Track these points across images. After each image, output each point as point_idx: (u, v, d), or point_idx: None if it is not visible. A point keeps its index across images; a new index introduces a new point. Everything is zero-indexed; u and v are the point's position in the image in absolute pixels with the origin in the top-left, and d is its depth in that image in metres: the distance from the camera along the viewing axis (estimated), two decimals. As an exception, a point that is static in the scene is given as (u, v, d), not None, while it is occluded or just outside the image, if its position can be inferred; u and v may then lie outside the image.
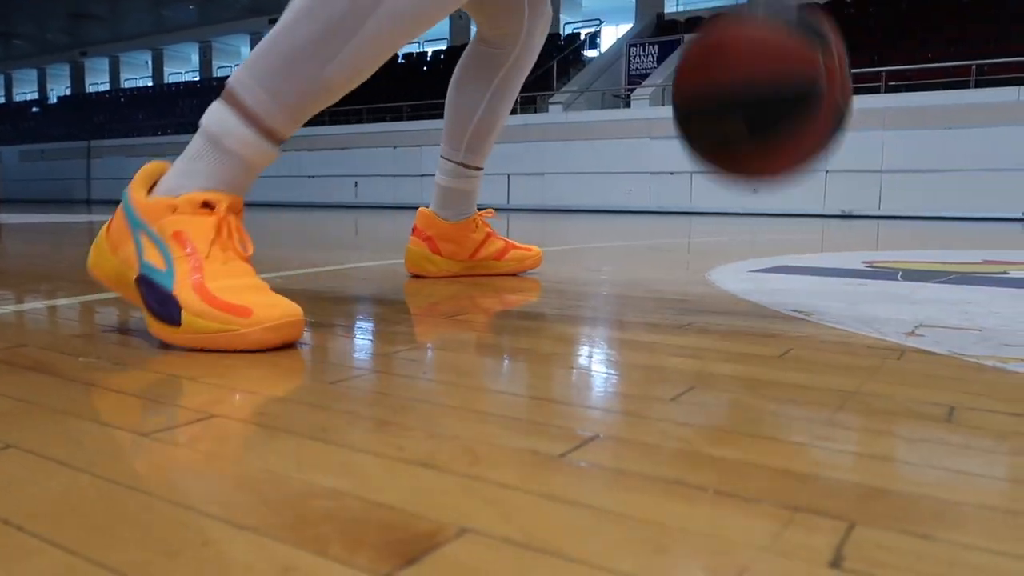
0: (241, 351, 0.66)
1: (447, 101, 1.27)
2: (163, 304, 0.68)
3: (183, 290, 0.67)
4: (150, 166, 0.76)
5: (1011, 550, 0.30)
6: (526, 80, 1.29)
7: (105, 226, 0.78)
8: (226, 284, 0.68)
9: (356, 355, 0.68)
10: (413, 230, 1.31)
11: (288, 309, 0.69)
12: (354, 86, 0.78)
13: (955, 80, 7.03)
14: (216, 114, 0.74)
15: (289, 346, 0.70)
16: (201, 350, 0.67)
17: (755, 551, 0.30)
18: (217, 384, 0.55)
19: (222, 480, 0.36)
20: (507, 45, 1.21)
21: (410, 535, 0.31)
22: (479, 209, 1.34)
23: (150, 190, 0.75)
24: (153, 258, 0.70)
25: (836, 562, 0.29)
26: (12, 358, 0.63)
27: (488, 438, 0.43)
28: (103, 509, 0.33)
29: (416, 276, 1.30)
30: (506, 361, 0.65)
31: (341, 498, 0.34)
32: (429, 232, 1.30)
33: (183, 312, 0.67)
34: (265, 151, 0.75)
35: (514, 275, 1.35)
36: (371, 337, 0.77)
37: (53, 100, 21.16)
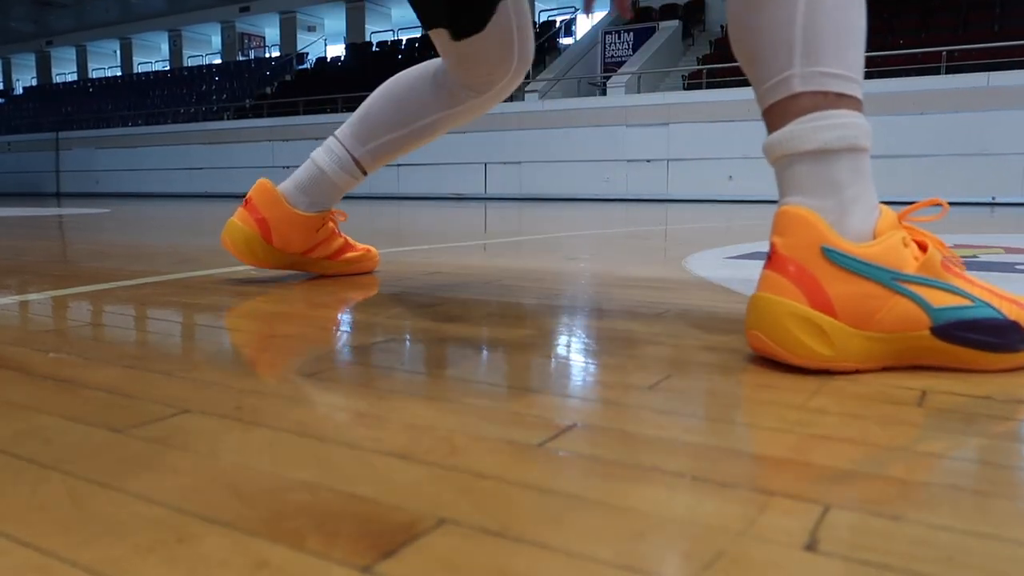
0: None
1: (381, 94, 1.11)
2: (1001, 334, 0.57)
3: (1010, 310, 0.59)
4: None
5: (978, 529, 0.30)
6: None
7: None
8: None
9: (333, 347, 0.67)
10: (245, 202, 1.09)
11: None
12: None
13: (925, 66, 7.11)
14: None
15: (264, 339, 0.69)
16: (176, 345, 0.66)
17: (732, 536, 0.30)
18: (191, 378, 0.55)
19: (196, 475, 0.36)
20: (481, 89, 1.05)
21: (387, 527, 0.30)
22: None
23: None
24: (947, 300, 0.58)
25: (811, 545, 0.29)
26: (-21, 355, 0.62)
27: (465, 428, 0.43)
28: (73, 507, 0.32)
29: (237, 257, 1.10)
30: (483, 351, 0.65)
31: (317, 491, 0.34)
32: (265, 213, 1.08)
33: None
34: None
35: (346, 276, 1.19)
36: (348, 329, 0.76)
37: (19, 91, 20.72)
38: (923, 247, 0.60)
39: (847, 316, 0.56)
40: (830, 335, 0.56)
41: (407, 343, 0.68)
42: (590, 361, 0.61)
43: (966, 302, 0.58)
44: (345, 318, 0.82)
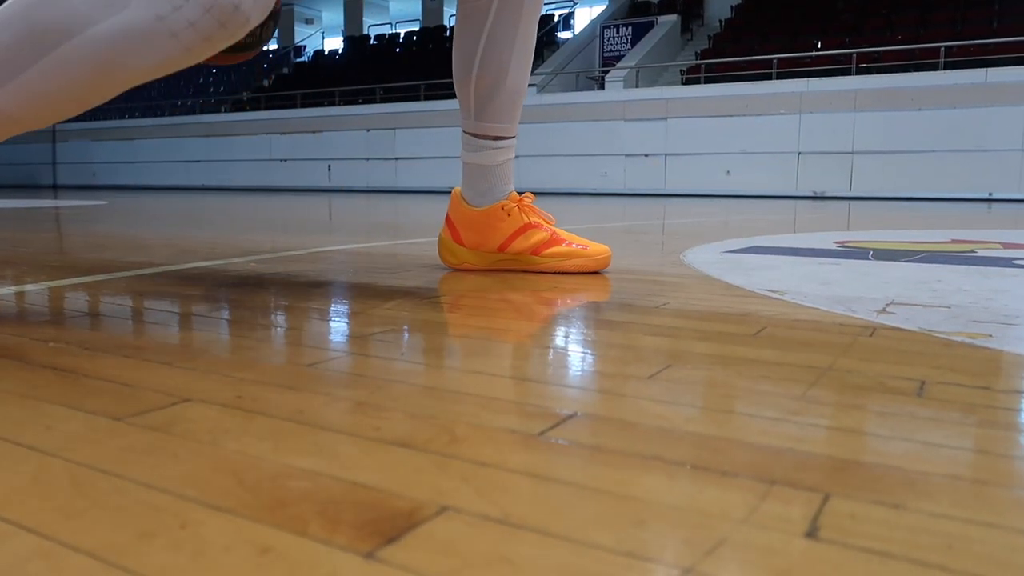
0: (208, 336, 0.65)
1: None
2: None
3: None
4: None
5: (978, 518, 0.31)
6: None
7: None
8: None
9: (332, 337, 0.67)
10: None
11: None
12: (44, 122, 0.70)
13: (924, 62, 7.11)
14: None
15: (263, 329, 0.69)
16: (174, 335, 0.66)
17: (733, 523, 0.30)
18: (191, 368, 0.55)
19: (198, 463, 0.36)
20: None
21: (389, 514, 0.31)
22: (519, 193, 1.17)
23: None
24: None
25: (812, 532, 0.29)
26: (-22, 344, 0.62)
27: (466, 417, 0.43)
28: (75, 493, 0.32)
29: (451, 268, 1.17)
30: (483, 341, 0.65)
31: (318, 479, 0.34)
32: (452, 215, 1.16)
33: None
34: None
35: (563, 275, 1.10)
36: (347, 319, 0.76)
37: (15, 82, 20.62)
38: None
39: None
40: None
41: (406, 333, 0.68)
42: (589, 352, 0.61)
43: None
44: (343, 308, 0.82)
